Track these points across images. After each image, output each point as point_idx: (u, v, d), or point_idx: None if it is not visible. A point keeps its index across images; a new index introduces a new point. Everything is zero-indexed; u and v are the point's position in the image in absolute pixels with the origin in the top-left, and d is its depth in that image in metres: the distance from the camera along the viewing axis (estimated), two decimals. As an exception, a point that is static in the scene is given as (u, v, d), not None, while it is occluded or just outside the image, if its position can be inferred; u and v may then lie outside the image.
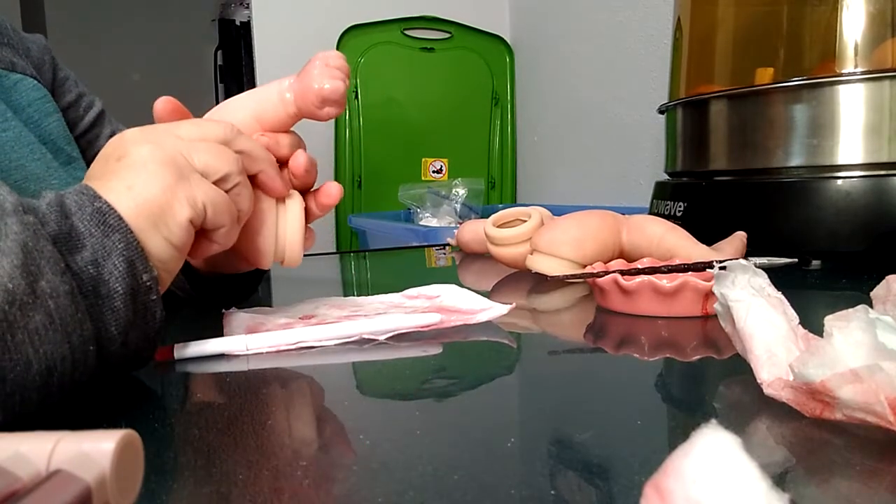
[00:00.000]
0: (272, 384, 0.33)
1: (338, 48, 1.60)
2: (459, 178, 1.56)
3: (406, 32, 1.72)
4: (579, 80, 1.53)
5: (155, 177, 0.31)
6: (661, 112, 0.83)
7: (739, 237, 0.59)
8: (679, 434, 0.26)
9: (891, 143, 0.58)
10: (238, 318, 0.44)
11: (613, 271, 0.45)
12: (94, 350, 0.28)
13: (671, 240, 0.55)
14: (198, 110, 0.43)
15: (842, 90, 0.60)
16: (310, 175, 0.43)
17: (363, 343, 0.39)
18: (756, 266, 0.29)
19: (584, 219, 0.57)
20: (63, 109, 0.58)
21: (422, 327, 0.40)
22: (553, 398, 0.30)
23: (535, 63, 1.74)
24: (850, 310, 0.23)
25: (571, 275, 0.50)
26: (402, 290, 0.52)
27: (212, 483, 0.21)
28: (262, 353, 0.37)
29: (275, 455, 0.24)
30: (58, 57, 0.60)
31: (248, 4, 1.98)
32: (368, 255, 1.02)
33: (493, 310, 0.43)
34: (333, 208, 0.60)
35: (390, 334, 0.39)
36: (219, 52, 2.88)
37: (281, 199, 0.41)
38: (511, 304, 0.43)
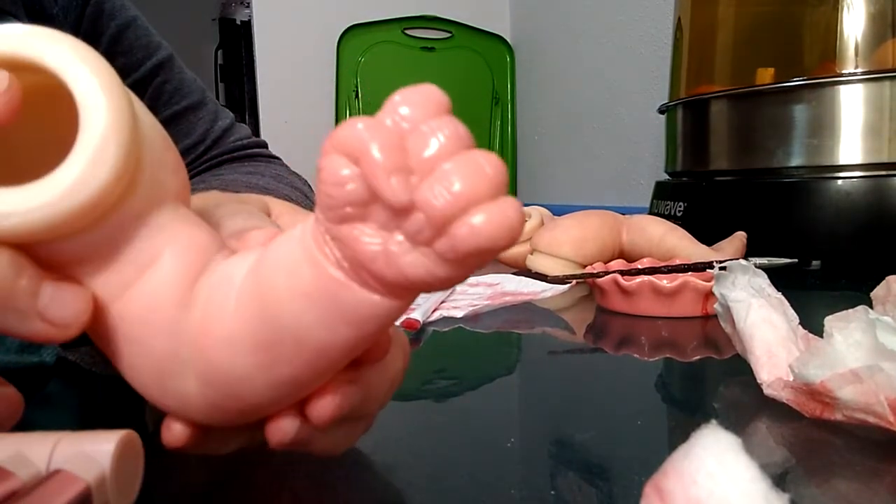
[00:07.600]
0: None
1: (338, 48, 1.59)
2: (460, 178, 1.56)
3: (406, 32, 1.71)
4: (579, 79, 1.53)
5: None
6: (661, 112, 0.83)
7: (739, 237, 0.59)
8: (679, 434, 0.26)
9: (891, 143, 0.58)
10: None
11: (613, 271, 0.45)
12: None
13: (671, 240, 0.55)
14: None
15: (842, 90, 0.60)
16: None
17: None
18: (756, 266, 0.29)
19: (584, 219, 0.57)
20: None
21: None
22: (553, 398, 0.30)
23: (536, 63, 1.74)
24: (850, 310, 0.23)
25: (571, 275, 0.50)
26: None
27: (212, 483, 0.21)
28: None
29: (275, 455, 0.24)
30: None
31: (248, 4, 1.98)
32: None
33: (554, 289, 0.48)
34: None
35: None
36: (219, 52, 2.88)
37: None
38: (571, 282, 0.48)
